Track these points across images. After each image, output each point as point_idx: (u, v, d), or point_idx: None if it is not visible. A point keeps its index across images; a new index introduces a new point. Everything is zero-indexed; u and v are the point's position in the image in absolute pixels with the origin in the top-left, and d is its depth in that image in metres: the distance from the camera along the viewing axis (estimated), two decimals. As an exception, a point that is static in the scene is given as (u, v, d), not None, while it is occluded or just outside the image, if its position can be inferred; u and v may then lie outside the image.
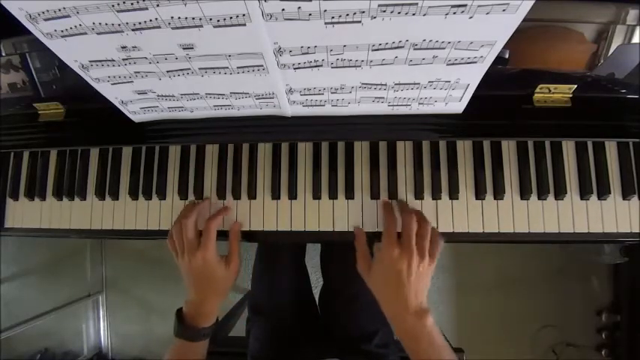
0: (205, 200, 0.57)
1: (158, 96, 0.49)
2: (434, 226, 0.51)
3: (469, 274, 1.38)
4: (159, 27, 0.37)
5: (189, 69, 0.43)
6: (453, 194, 0.54)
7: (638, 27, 0.44)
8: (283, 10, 0.34)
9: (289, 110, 0.51)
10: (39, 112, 0.61)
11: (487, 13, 0.34)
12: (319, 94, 0.48)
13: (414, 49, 0.39)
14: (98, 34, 0.38)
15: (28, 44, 0.52)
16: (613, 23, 0.44)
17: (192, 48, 0.40)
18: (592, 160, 0.54)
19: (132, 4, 0.34)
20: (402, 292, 0.46)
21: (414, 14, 0.34)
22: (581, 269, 1.32)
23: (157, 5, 0.34)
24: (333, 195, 0.56)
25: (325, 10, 0.34)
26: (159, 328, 1.50)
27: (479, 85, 0.45)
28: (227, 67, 0.43)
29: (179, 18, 0.36)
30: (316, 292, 0.82)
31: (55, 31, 0.38)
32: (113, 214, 0.61)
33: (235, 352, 0.77)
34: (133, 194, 0.60)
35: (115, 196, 0.61)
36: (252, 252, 0.80)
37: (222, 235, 0.55)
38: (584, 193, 0.53)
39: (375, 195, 0.55)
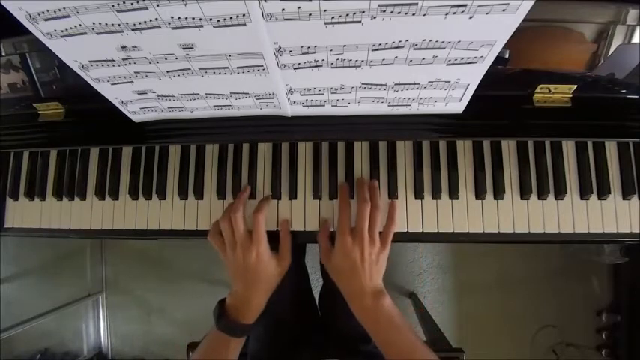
0: (245, 190, 0.56)
1: (158, 96, 0.49)
2: (393, 208, 0.53)
3: (469, 274, 1.38)
4: (159, 27, 0.37)
5: (189, 69, 0.43)
6: (453, 194, 0.54)
7: (638, 27, 0.44)
8: (283, 10, 0.34)
9: (289, 110, 0.51)
10: (39, 112, 0.61)
11: (487, 13, 0.34)
12: (319, 94, 0.48)
13: (414, 49, 0.39)
14: (98, 34, 0.38)
15: (28, 44, 0.52)
16: (613, 23, 0.44)
17: (192, 48, 0.40)
18: (592, 160, 0.54)
19: (132, 4, 0.34)
20: (357, 276, 0.49)
21: (414, 14, 0.34)
22: (581, 269, 1.32)
23: (157, 5, 0.34)
24: (333, 195, 0.56)
25: (325, 10, 0.34)
26: (159, 328, 1.50)
27: (479, 85, 0.45)
28: (227, 67, 0.43)
29: (179, 18, 0.36)
30: (316, 292, 0.82)
31: (55, 31, 0.38)
32: (113, 214, 0.61)
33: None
34: (133, 194, 0.60)
35: (115, 196, 0.61)
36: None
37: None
38: (584, 193, 0.53)
39: (375, 195, 0.55)
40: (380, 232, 0.51)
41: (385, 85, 0.45)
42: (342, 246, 0.50)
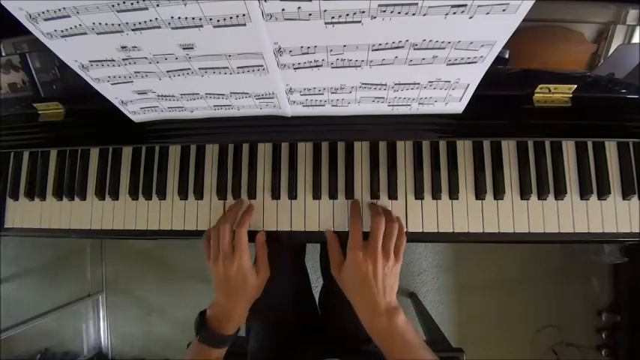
0: (239, 203, 0.57)
1: (158, 96, 0.49)
2: (401, 223, 0.52)
3: (469, 274, 1.38)
4: (159, 27, 0.37)
5: (189, 69, 0.43)
6: (453, 194, 0.54)
7: (638, 27, 0.44)
8: (283, 10, 0.34)
9: (289, 110, 0.51)
10: (39, 112, 0.61)
11: (487, 13, 0.34)
12: (319, 94, 0.48)
13: (414, 49, 0.39)
14: (98, 34, 0.38)
15: (28, 44, 0.52)
16: (613, 23, 0.44)
17: (192, 48, 0.40)
18: (592, 160, 0.54)
19: (132, 4, 0.34)
20: (370, 293, 0.47)
21: (414, 14, 0.35)
22: (581, 269, 1.32)
23: (157, 5, 0.34)
24: (333, 195, 0.56)
25: (325, 10, 0.34)
26: (159, 328, 1.50)
27: (479, 85, 0.45)
28: (227, 67, 0.43)
29: (179, 18, 0.36)
30: (316, 292, 0.82)
31: (55, 31, 0.38)
32: (113, 214, 0.61)
33: (235, 351, 0.77)
34: (133, 194, 0.60)
35: (115, 196, 0.61)
36: (252, 252, 0.80)
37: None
38: (584, 193, 0.53)
39: (375, 195, 0.55)
40: None
41: (385, 85, 0.45)
42: (353, 259, 0.48)
